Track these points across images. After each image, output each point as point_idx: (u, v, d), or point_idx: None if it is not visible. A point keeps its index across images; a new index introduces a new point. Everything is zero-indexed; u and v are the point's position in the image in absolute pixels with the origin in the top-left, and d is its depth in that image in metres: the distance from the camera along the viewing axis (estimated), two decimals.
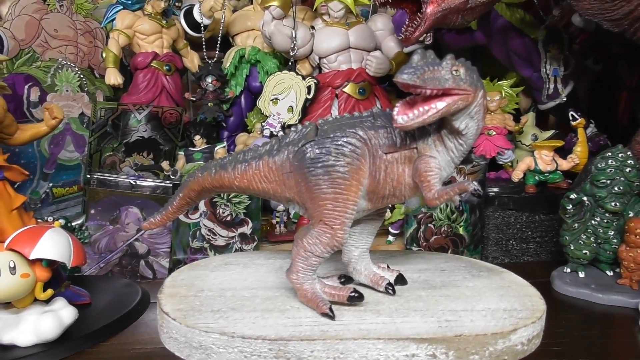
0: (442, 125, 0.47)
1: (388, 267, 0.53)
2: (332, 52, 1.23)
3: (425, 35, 1.18)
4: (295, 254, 0.47)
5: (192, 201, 0.55)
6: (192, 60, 1.34)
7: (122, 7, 1.22)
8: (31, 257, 0.68)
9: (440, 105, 0.44)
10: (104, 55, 1.17)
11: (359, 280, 0.52)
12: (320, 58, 1.25)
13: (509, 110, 1.23)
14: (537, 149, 1.14)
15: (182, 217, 1.00)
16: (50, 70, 1.15)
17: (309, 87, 1.20)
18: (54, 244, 0.70)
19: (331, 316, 0.45)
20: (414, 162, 0.47)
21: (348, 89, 1.22)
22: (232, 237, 1.09)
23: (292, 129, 0.49)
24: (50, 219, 0.96)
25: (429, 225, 1.14)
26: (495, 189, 1.19)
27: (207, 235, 1.05)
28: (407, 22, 0.89)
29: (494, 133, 1.19)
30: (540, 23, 1.24)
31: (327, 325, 0.44)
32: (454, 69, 0.44)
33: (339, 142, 0.46)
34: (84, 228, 1.05)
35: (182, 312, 0.48)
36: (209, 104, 1.26)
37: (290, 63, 1.23)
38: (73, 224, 1.07)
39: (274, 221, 1.20)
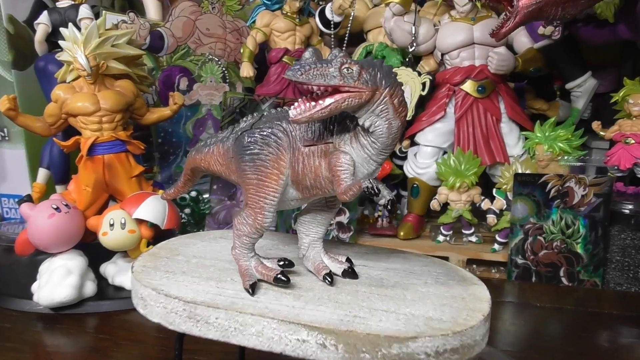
0: (357, 123, 0.46)
1: (348, 259, 0.53)
2: (454, 48, 1.18)
3: (553, 29, 1.06)
4: (233, 232, 0.50)
5: (192, 177, 0.61)
6: (324, 56, 1.42)
7: (264, 7, 1.35)
8: (133, 217, 0.83)
9: (328, 101, 0.44)
10: (241, 50, 1.31)
11: (307, 267, 0.53)
12: (442, 54, 1.22)
13: None
14: None
15: None
16: (199, 64, 1.34)
17: (423, 84, 1.18)
18: (151, 208, 0.84)
19: (250, 292, 0.48)
20: (329, 156, 0.47)
21: (466, 86, 1.17)
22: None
23: (244, 118, 0.52)
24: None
25: (538, 237, 1.04)
26: (630, 206, 1.03)
27: None
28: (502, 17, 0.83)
29: (633, 142, 1.03)
30: None
31: (242, 299, 0.46)
32: (344, 66, 0.43)
33: (265, 133, 0.49)
34: (207, 200, 1.21)
35: (143, 268, 0.52)
36: None
37: (407, 59, 1.22)
38: (204, 196, 1.25)
39: (376, 215, 1.22)
